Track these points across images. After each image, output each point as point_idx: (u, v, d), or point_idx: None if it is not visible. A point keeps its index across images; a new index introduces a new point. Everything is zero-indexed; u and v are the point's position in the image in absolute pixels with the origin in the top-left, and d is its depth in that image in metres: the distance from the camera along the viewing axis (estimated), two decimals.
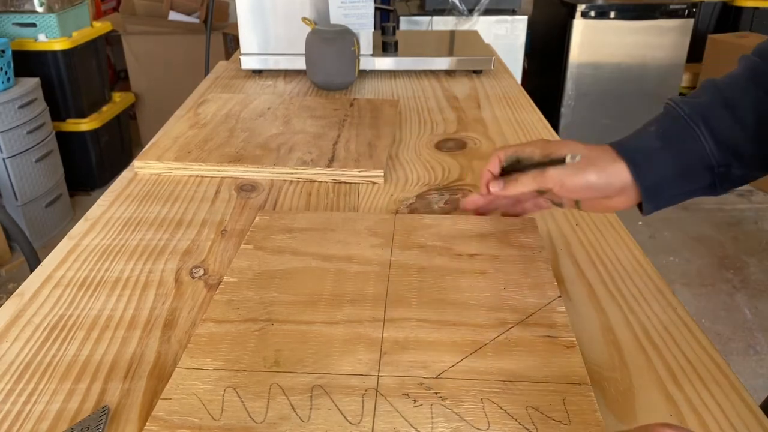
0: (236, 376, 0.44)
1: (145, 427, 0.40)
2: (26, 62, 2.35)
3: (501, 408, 0.41)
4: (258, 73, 1.31)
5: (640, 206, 0.57)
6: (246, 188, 0.78)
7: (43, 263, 0.61)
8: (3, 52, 2.14)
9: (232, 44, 3.10)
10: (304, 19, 1.17)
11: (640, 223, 2.56)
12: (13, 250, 2.27)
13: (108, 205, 0.73)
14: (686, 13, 2.77)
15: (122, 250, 0.64)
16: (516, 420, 0.40)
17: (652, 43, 2.79)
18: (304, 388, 0.43)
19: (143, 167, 0.82)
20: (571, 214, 0.71)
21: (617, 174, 0.55)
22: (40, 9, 2.34)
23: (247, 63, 1.28)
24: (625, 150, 0.55)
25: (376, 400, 0.42)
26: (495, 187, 0.59)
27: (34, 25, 2.38)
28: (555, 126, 2.83)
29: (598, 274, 0.59)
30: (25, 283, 0.58)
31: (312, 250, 0.60)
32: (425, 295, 0.53)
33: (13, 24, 2.37)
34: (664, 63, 2.84)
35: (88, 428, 0.41)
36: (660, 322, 0.53)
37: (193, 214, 0.71)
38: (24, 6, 2.34)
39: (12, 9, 2.35)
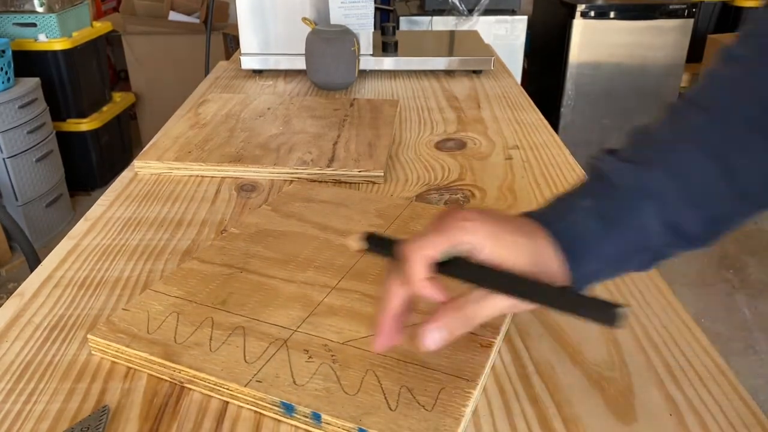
0: (186, 305, 0.51)
1: (97, 326, 0.50)
2: (26, 62, 2.35)
3: (378, 381, 0.43)
4: (258, 73, 1.31)
5: None
6: (246, 188, 0.78)
7: (43, 263, 0.61)
8: (3, 52, 2.14)
9: (232, 44, 3.10)
10: (304, 19, 1.17)
11: None
12: (13, 250, 2.27)
13: (108, 205, 0.73)
14: (686, 13, 2.77)
15: (122, 250, 0.64)
16: (383, 393, 0.42)
17: (652, 43, 2.79)
18: (230, 326, 0.49)
19: (143, 167, 0.82)
20: None
21: (550, 262, 0.42)
22: (40, 9, 2.34)
23: (247, 63, 1.28)
24: (558, 234, 0.42)
25: (278, 349, 0.46)
26: (430, 341, 0.40)
27: (34, 25, 2.38)
28: (555, 126, 2.83)
29: None
30: (25, 283, 0.58)
31: (316, 219, 0.66)
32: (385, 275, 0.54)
33: (14, 24, 2.37)
34: (664, 63, 2.84)
35: (88, 428, 0.41)
36: (660, 322, 0.53)
37: (193, 214, 0.71)
38: (24, 6, 2.34)
39: (12, 9, 2.35)
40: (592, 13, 2.74)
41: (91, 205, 0.73)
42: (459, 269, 0.40)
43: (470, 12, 2.56)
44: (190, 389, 0.45)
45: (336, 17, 1.21)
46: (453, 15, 2.56)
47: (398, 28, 1.96)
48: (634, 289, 0.57)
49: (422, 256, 0.40)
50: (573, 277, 0.42)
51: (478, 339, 0.48)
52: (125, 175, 0.81)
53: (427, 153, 0.88)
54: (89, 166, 2.67)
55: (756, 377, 1.77)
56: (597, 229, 0.42)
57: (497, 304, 0.40)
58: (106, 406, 0.43)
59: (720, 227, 0.43)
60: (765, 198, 0.42)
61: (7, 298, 0.56)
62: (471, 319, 0.41)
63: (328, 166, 0.79)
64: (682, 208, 0.42)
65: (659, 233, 0.42)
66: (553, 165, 0.84)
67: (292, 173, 0.80)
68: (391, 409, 0.41)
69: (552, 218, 0.43)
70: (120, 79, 3.48)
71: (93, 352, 0.48)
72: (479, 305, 0.40)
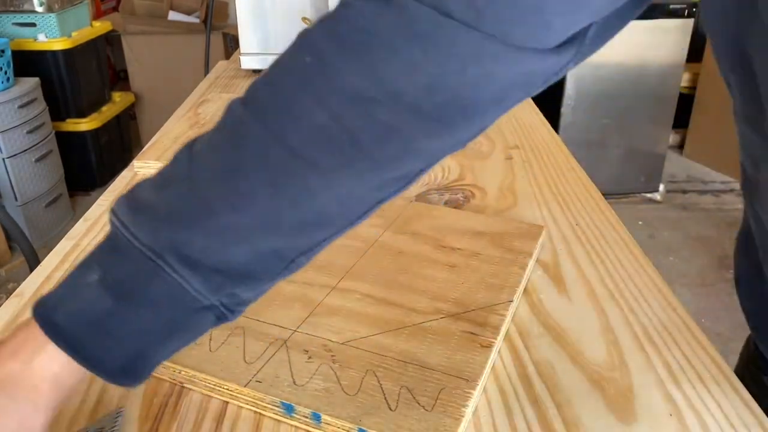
0: None
1: None
2: (26, 62, 2.35)
3: (378, 381, 0.43)
4: (258, 72, 1.31)
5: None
6: None
7: (42, 263, 0.61)
8: (3, 51, 2.14)
9: (231, 44, 3.10)
10: (304, 19, 1.17)
11: (640, 223, 2.57)
12: (13, 250, 2.27)
13: (108, 205, 0.73)
14: (686, 13, 2.76)
15: None
16: (383, 394, 0.42)
17: (652, 43, 2.79)
18: (230, 326, 0.47)
19: (143, 167, 0.82)
20: (571, 214, 0.71)
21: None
22: (39, 9, 2.34)
23: (247, 63, 1.28)
24: (57, 331, 0.34)
25: (278, 349, 0.46)
26: None
27: (33, 24, 2.38)
28: (555, 126, 2.83)
29: (598, 274, 0.59)
30: (24, 283, 0.58)
31: None
32: (385, 275, 0.56)
33: (13, 24, 2.37)
34: (664, 63, 2.84)
35: (102, 429, 0.41)
36: (660, 322, 0.53)
37: None
38: (24, 6, 2.34)
39: (12, 9, 2.35)
40: None
41: (91, 205, 0.73)
42: None
43: None
44: (190, 389, 0.45)
45: None
46: None
47: None
48: (634, 289, 0.57)
49: None
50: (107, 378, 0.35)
51: (478, 339, 0.48)
52: (125, 175, 0.81)
53: None
54: (89, 166, 2.67)
55: None
56: (111, 307, 0.34)
57: None
58: (123, 408, 0.43)
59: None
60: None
61: (7, 298, 0.56)
62: None
63: None
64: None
65: (202, 288, 0.33)
66: (553, 165, 0.84)
67: None
68: (390, 410, 0.41)
69: (52, 312, 0.34)
70: (120, 79, 3.48)
71: None
72: None
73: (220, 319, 0.35)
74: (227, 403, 0.44)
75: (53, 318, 0.34)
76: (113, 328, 0.34)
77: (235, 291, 0.35)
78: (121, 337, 0.34)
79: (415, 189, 0.77)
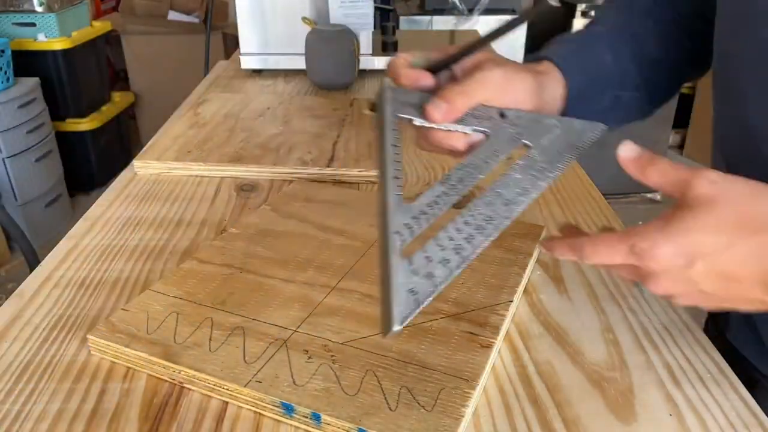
0: (185, 305, 0.51)
1: (96, 326, 0.49)
2: (26, 62, 2.35)
3: (378, 382, 0.43)
4: (258, 72, 1.31)
5: None
6: (246, 188, 0.78)
7: (42, 263, 0.61)
8: (2, 51, 2.14)
9: (231, 44, 3.09)
10: (304, 18, 1.17)
11: (640, 222, 2.56)
12: (13, 250, 2.27)
13: (107, 205, 0.73)
14: None
15: (122, 249, 0.64)
16: (383, 394, 0.42)
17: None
18: (229, 326, 0.49)
19: (143, 167, 0.82)
20: (571, 214, 0.71)
21: (553, 85, 0.50)
22: (39, 9, 2.34)
23: (247, 63, 1.28)
24: (555, 61, 0.52)
25: (278, 349, 0.46)
26: (438, 113, 0.45)
27: (33, 24, 2.38)
28: None
29: (598, 274, 0.59)
30: (24, 283, 0.58)
31: (317, 219, 0.66)
32: None
33: (13, 24, 2.37)
34: None
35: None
36: (660, 322, 0.53)
37: (192, 214, 0.71)
38: (23, 6, 2.34)
39: (12, 9, 2.35)
40: (592, 13, 2.74)
41: (91, 205, 0.73)
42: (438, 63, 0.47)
43: (470, 12, 2.55)
44: (190, 389, 0.45)
45: (336, 17, 1.21)
46: (453, 14, 2.56)
47: (398, 28, 1.96)
48: (634, 290, 0.57)
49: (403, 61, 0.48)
50: (568, 91, 0.51)
51: (478, 339, 0.48)
52: (124, 175, 0.81)
53: (428, 153, 0.88)
54: (88, 166, 2.67)
55: None
56: (571, 50, 0.53)
57: (487, 76, 0.46)
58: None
59: (651, 74, 0.56)
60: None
61: (7, 298, 0.56)
62: (470, 94, 0.45)
63: (328, 166, 0.79)
64: (617, 45, 0.55)
65: (611, 66, 0.54)
66: None
67: (292, 173, 0.80)
68: (390, 410, 0.41)
69: (547, 50, 0.53)
70: (119, 78, 3.48)
71: (92, 352, 0.48)
72: (474, 79, 0.46)
73: (607, 111, 0.54)
74: (227, 403, 0.44)
75: (544, 54, 0.53)
76: (571, 57, 0.53)
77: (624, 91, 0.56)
78: (575, 63, 0.53)
79: (414, 189, 0.77)
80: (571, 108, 0.51)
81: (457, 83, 0.46)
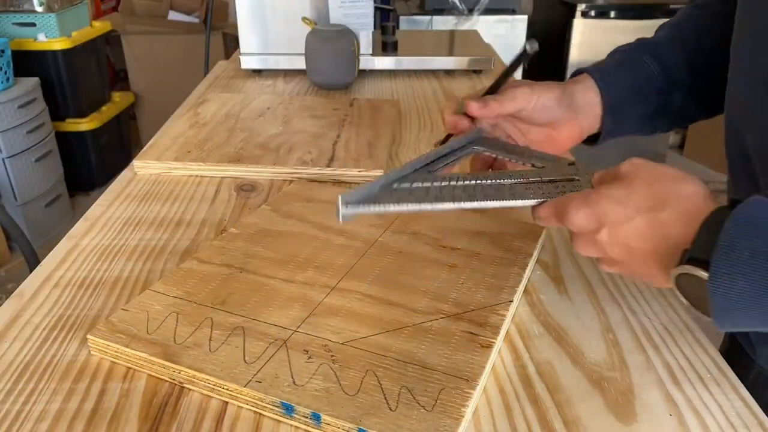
0: (186, 305, 0.51)
1: (96, 326, 0.49)
2: (26, 62, 2.35)
3: (378, 382, 0.43)
4: (258, 72, 1.31)
5: (591, 140, 0.62)
6: (246, 188, 0.78)
7: (42, 263, 0.61)
8: (2, 51, 2.14)
9: (231, 44, 3.09)
10: (304, 18, 1.17)
11: None
12: (13, 250, 2.27)
13: (107, 205, 0.73)
14: None
15: (122, 249, 0.64)
16: (383, 394, 0.42)
17: None
18: (230, 326, 0.49)
19: (143, 167, 0.82)
20: None
21: (581, 90, 0.59)
22: (39, 9, 2.34)
23: (247, 63, 1.28)
24: (588, 70, 0.61)
25: (278, 349, 0.46)
26: (477, 109, 0.56)
27: (33, 24, 2.38)
28: None
29: (598, 274, 0.59)
30: (24, 283, 0.58)
31: (316, 219, 0.66)
32: (385, 275, 0.56)
33: (13, 24, 2.37)
34: None
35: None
36: (660, 322, 0.53)
37: (192, 214, 0.71)
38: (24, 6, 2.34)
39: (12, 9, 2.35)
40: (592, 13, 2.74)
41: (91, 205, 0.73)
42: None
43: (470, 11, 2.55)
44: (190, 389, 0.45)
45: (336, 17, 1.21)
46: (453, 14, 2.56)
47: (398, 28, 1.96)
48: (634, 290, 0.57)
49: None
50: (605, 103, 0.59)
51: (478, 339, 0.47)
52: (124, 175, 0.81)
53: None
54: (88, 166, 2.67)
55: None
56: (615, 68, 0.61)
57: (516, 90, 0.57)
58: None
59: (705, 88, 0.61)
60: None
61: (7, 298, 0.56)
62: (501, 101, 0.56)
63: (328, 166, 0.79)
64: (671, 59, 0.61)
65: (659, 74, 0.60)
66: None
67: (292, 173, 0.80)
68: (391, 410, 0.41)
69: (585, 68, 0.61)
70: (119, 78, 3.48)
71: (92, 352, 0.48)
72: (505, 92, 0.57)
73: (654, 117, 0.62)
74: (227, 403, 0.44)
75: (587, 70, 0.62)
76: (615, 77, 0.61)
77: (672, 96, 0.62)
78: (617, 82, 0.61)
79: None
80: (614, 111, 0.59)
81: (492, 96, 0.57)
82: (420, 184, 0.49)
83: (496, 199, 0.47)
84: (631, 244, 0.41)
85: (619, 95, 0.59)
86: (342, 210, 0.45)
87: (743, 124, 0.54)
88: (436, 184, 0.49)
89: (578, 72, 0.62)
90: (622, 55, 0.63)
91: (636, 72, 0.61)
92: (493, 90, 0.58)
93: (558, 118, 0.59)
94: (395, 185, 0.49)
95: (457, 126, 0.59)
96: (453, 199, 0.47)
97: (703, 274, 0.37)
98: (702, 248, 0.37)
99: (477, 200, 0.47)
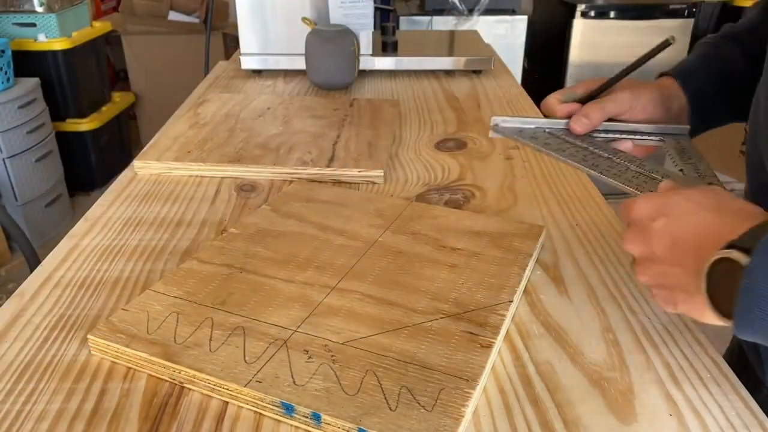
0: (186, 305, 0.51)
1: (97, 326, 0.49)
2: (26, 62, 2.35)
3: (378, 381, 0.43)
4: (258, 73, 1.31)
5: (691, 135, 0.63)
6: (246, 188, 0.78)
7: (42, 263, 0.61)
8: (3, 52, 2.14)
9: (232, 44, 3.09)
10: (304, 19, 1.17)
11: None
12: (13, 250, 2.27)
13: (108, 205, 0.73)
14: (686, 13, 2.76)
15: (122, 250, 0.64)
16: (383, 394, 0.42)
17: (652, 43, 2.78)
18: (230, 326, 0.49)
19: (143, 167, 0.82)
20: (571, 214, 0.71)
21: (675, 95, 0.62)
22: (39, 9, 2.34)
23: (247, 63, 1.28)
24: (671, 73, 0.64)
25: (278, 349, 0.46)
26: (579, 126, 0.60)
27: (33, 25, 2.38)
28: None
29: (598, 274, 0.59)
30: (25, 283, 0.58)
31: (316, 219, 0.66)
32: (385, 275, 0.56)
33: (13, 24, 2.37)
34: (664, 63, 2.84)
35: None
36: (660, 322, 0.53)
37: (192, 214, 0.71)
38: (24, 6, 2.34)
39: (12, 9, 2.35)
40: (592, 13, 2.74)
41: (91, 205, 0.73)
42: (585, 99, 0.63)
43: (470, 12, 2.55)
44: (190, 389, 0.45)
45: (336, 17, 1.21)
46: (453, 15, 2.56)
47: (398, 28, 1.96)
48: (634, 289, 0.57)
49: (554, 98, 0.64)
50: (689, 99, 0.61)
51: (478, 339, 0.48)
52: (125, 175, 0.81)
53: (427, 153, 0.88)
54: (89, 166, 2.67)
55: None
56: (696, 62, 0.64)
57: (607, 106, 0.60)
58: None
59: None
60: None
61: (7, 298, 0.56)
62: (604, 110, 0.60)
63: (328, 166, 0.79)
64: (753, 44, 0.60)
65: (744, 63, 0.61)
66: (553, 165, 0.84)
67: (292, 173, 0.80)
68: (391, 410, 0.41)
69: (669, 70, 0.64)
70: (119, 79, 3.48)
71: (93, 352, 0.48)
72: (607, 98, 0.61)
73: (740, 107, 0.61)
74: (227, 403, 0.44)
75: (670, 72, 0.65)
76: (695, 69, 0.65)
77: None
78: (697, 73, 0.64)
79: (415, 189, 0.77)
80: (698, 110, 0.62)
81: (594, 102, 0.61)
82: (568, 142, 0.60)
83: (616, 180, 0.54)
84: (680, 237, 0.41)
85: (703, 93, 0.62)
86: (495, 120, 0.64)
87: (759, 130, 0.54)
88: (575, 143, 0.60)
89: (662, 72, 0.65)
90: (706, 48, 0.65)
91: (720, 65, 0.63)
92: (598, 93, 0.62)
93: (661, 116, 0.62)
94: (547, 129, 0.63)
95: (572, 112, 0.62)
96: (583, 162, 0.57)
97: (742, 258, 0.36)
98: (748, 239, 0.37)
99: (602, 174, 0.55)
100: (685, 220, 0.41)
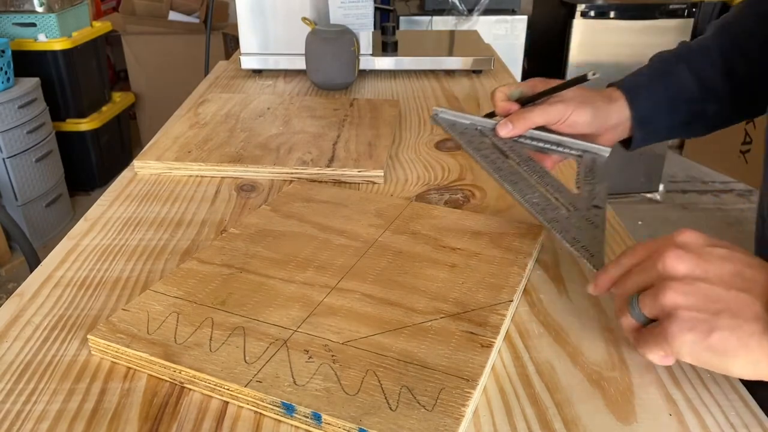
0: (186, 305, 0.51)
1: (97, 326, 0.49)
2: (26, 62, 2.35)
3: (378, 381, 0.43)
4: (258, 73, 1.31)
5: (625, 144, 0.67)
6: (246, 188, 0.78)
7: (43, 263, 0.61)
8: (3, 52, 2.14)
9: (232, 44, 3.10)
10: (304, 19, 1.17)
11: (640, 222, 2.57)
12: (13, 250, 2.27)
13: (108, 205, 0.73)
14: (686, 13, 2.76)
15: (122, 250, 0.64)
16: (384, 394, 0.42)
17: (652, 43, 2.78)
18: (230, 326, 0.49)
19: (143, 167, 0.82)
20: None
21: (616, 110, 0.63)
22: (40, 9, 2.34)
23: (247, 63, 1.28)
24: (621, 86, 0.65)
25: (278, 349, 0.46)
26: (504, 131, 0.63)
27: (34, 25, 2.38)
28: None
29: None
30: (25, 283, 0.58)
31: (316, 219, 0.66)
32: (384, 275, 0.56)
33: (13, 24, 2.37)
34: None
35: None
36: None
37: (193, 214, 0.71)
38: (24, 6, 2.34)
39: (12, 9, 2.35)
40: (592, 13, 2.74)
41: (91, 205, 0.73)
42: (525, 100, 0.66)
43: (470, 12, 2.55)
44: (190, 389, 0.45)
45: (336, 17, 1.21)
46: (453, 15, 2.56)
47: (398, 28, 1.96)
48: None
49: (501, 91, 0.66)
50: (634, 120, 0.63)
51: (478, 339, 0.48)
52: (125, 175, 0.81)
53: (427, 153, 0.88)
54: (89, 166, 2.67)
55: None
56: (647, 82, 0.64)
57: (539, 114, 0.62)
58: None
59: (744, 97, 0.64)
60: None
61: (7, 298, 0.56)
62: (526, 119, 0.62)
63: (328, 166, 0.79)
64: (707, 70, 0.63)
65: (693, 86, 0.63)
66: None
67: (292, 173, 0.80)
68: (391, 410, 0.41)
69: (619, 81, 0.66)
70: (120, 79, 3.48)
71: (93, 352, 0.48)
72: (531, 112, 0.62)
73: (687, 124, 0.66)
74: (227, 403, 0.44)
75: (620, 84, 0.67)
76: (645, 90, 0.65)
77: (707, 105, 0.66)
78: (647, 96, 0.65)
79: (414, 189, 0.77)
80: (643, 125, 0.64)
81: (524, 109, 0.63)
82: (492, 142, 0.64)
83: (517, 194, 0.58)
84: (748, 265, 0.41)
85: (649, 110, 0.64)
86: (436, 110, 0.68)
87: None
88: (496, 145, 0.64)
89: (613, 83, 0.66)
90: (659, 65, 0.66)
91: (668, 84, 0.64)
92: (541, 96, 0.64)
93: (591, 132, 0.64)
94: (479, 127, 0.66)
95: (509, 111, 0.65)
96: (492, 166, 0.60)
97: None
98: None
99: (514, 190, 0.58)
100: (749, 257, 0.42)
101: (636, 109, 0.63)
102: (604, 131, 0.64)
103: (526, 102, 0.66)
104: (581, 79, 0.60)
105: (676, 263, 0.41)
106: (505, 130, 0.63)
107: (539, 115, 0.62)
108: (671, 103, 0.64)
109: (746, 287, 0.40)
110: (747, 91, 0.64)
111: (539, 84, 0.65)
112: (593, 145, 0.65)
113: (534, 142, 0.65)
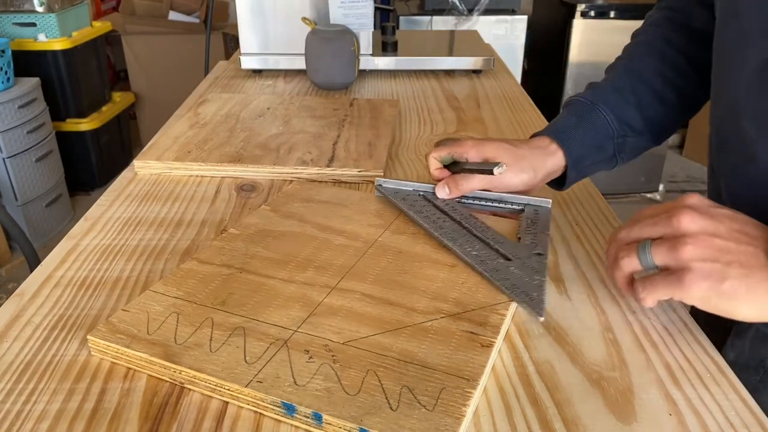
0: (186, 306, 0.51)
1: (97, 327, 0.49)
2: (26, 62, 2.35)
3: (379, 381, 0.43)
4: (258, 72, 1.31)
5: (556, 183, 0.69)
6: (246, 188, 0.78)
7: (43, 263, 0.61)
8: (3, 51, 2.14)
9: (232, 44, 3.10)
10: (304, 19, 1.17)
11: None
12: (13, 250, 2.27)
13: (108, 205, 0.73)
14: None
15: (122, 250, 0.64)
16: (384, 394, 0.42)
17: None
18: (230, 326, 0.49)
19: (143, 167, 0.82)
20: (571, 214, 0.71)
21: (552, 161, 0.66)
22: (40, 9, 2.34)
23: (247, 63, 1.28)
24: (552, 133, 0.67)
25: (279, 349, 0.46)
26: (441, 193, 0.67)
27: (34, 24, 2.38)
28: None
29: (598, 274, 0.59)
30: (25, 283, 0.58)
31: (316, 219, 0.66)
32: (385, 275, 0.56)
33: (13, 24, 2.37)
34: None
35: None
36: (660, 322, 0.53)
37: (193, 214, 0.71)
38: (24, 6, 2.34)
39: (12, 9, 2.35)
40: (592, 13, 2.74)
41: (91, 205, 0.73)
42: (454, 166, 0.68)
43: (470, 12, 2.55)
44: (190, 390, 0.45)
45: (336, 17, 1.21)
46: (453, 15, 2.56)
47: (398, 28, 1.96)
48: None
49: (434, 157, 0.69)
50: (569, 162, 0.66)
51: (479, 339, 0.48)
52: (125, 175, 0.81)
53: (427, 153, 0.88)
54: (89, 166, 2.67)
55: None
56: (575, 124, 0.67)
57: (473, 181, 0.66)
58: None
59: (656, 126, 0.68)
60: (682, 107, 0.69)
61: (7, 298, 0.56)
62: (460, 186, 0.66)
63: (328, 166, 0.79)
64: (623, 108, 0.67)
65: (614, 124, 0.67)
66: None
67: (292, 173, 0.80)
68: (392, 409, 0.41)
69: (548, 128, 0.68)
70: (120, 79, 3.48)
71: (93, 353, 0.48)
72: (465, 180, 0.66)
73: (613, 157, 0.69)
74: (227, 403, 0.44)
75: (551, 132, 0.68)
76: (575, 134, 0.67)
77: (627, 138, 0.68)
78: (578, 139, 0.67)
79: None
80: (576, 165, 0.67)
81: (461, 177, 0.66)
82: (434, 204, 0.67)
83: (465, 252, 0.59)
84: (751, 225, 0.47)
85: (580, 149, 0.66)
86: (379, 181, 0.71)
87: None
88: (438, 207, 0.66)
89: (544, 133, 0.68)
90: (579, 109, 0.68)
91: (591, 126, 0.67)
92: (469, 169, 0.66)
93: (528, 189, 0.67)
94: (421, 192, 0.69)
95: (443, 178, 0.68)
96: (438, 233, 0.61)
97: None
98: None
99: (454, 246, 0.59)
100: (749, 217, 0.48)
101: (570, 153, 0.66)
102: (540, 182, 0.67)
103: (459, 171, 0.67)
104: (488, 171, 0.63)
105: (690, 222, 0.47)
106: (443, 193, 0.67)
107: (477, 181, 0.65)
108: (597, 144, 0.67)
109: (751, 241, 0.46)
110: (662, 120, 0.69)
111: (471, 149, 0.66)
112: (535, 198, 0.67)
113: (476, 202, 0.68)
